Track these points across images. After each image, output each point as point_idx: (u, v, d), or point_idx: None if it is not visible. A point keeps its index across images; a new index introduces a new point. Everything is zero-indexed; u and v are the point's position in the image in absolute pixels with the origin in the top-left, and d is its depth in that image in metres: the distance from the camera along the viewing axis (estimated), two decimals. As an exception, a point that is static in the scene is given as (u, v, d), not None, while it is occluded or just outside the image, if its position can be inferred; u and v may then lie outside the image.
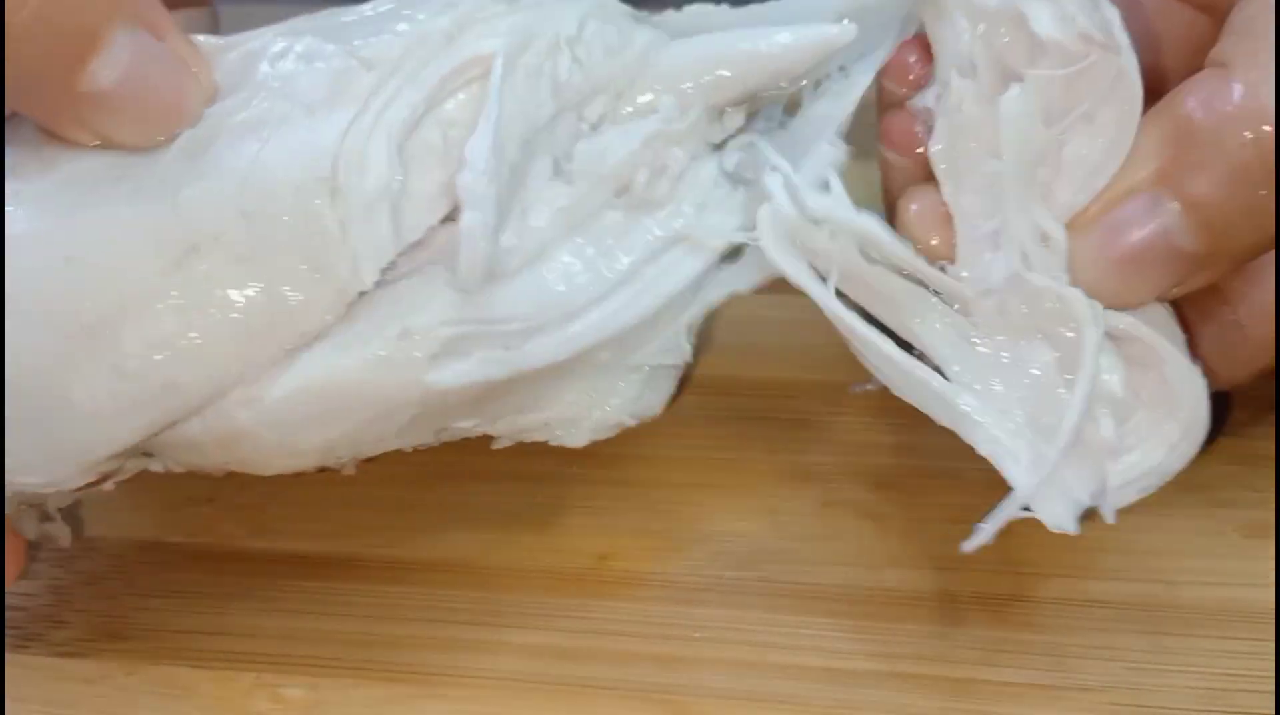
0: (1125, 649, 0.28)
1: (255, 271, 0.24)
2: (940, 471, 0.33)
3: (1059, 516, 0.27)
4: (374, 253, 0.25)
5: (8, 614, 0.30)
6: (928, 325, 0.28)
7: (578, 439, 0.28)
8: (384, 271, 0.25)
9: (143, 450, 0.27)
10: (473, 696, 0.28)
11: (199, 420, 0.25)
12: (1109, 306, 0.27)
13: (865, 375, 0.35)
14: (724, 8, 0.29)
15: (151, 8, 0.26)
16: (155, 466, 0.28)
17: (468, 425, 0.28)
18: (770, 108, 0.29)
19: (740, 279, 0.29)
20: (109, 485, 0.28)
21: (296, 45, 0.26)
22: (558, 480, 0.33)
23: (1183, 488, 0.32)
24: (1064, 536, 0.30)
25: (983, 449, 0.27)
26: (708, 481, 0.33)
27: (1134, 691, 0.27)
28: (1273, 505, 0.31)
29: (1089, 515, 0.31)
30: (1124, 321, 0.27)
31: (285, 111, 0.25)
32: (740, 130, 0.29)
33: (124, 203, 0.25)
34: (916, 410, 0.34)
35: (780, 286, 0.38)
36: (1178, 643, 0.28)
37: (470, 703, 0.28)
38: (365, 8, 0.28)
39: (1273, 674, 0.27)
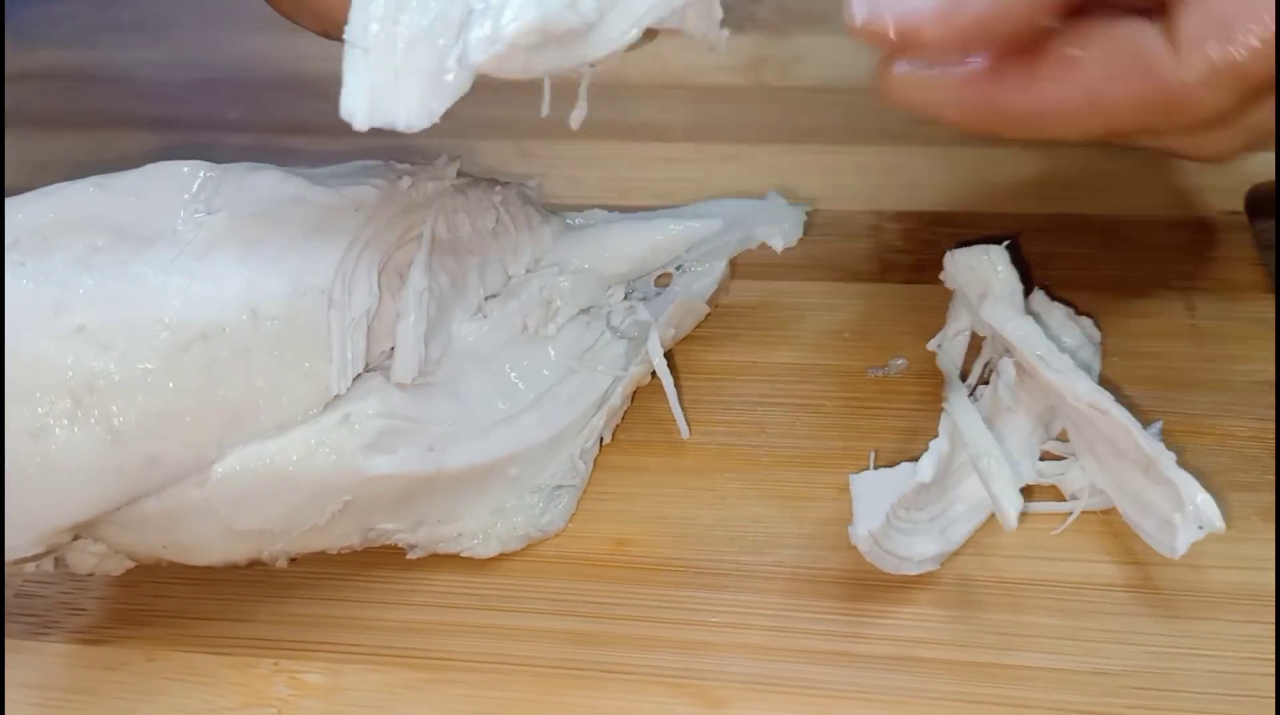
0: (1146, 633, 0.28)
1: (255, 364, 0.27)
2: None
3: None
4: (351, 363, 0.28)
5: (27, 600, 0.30)
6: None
7: (489, 550, 0.30)
8: None
9: (79, 531, 0.27)
10: (490, 682, 0.28)
11: (154, 497, 0.27)
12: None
13: (880, 360, 0.35)
14: (614, 213, 0.37)
15: None
16: (72, 556, 0.29)
17: (391, 527, 0.30)
18: (644, 283, 0.37)
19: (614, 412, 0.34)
20: (33, 568, 0.28)
21: (284, 184, 0.29)
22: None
23: (1204, 472, 0.32)
24: (1083, 521, 0.30)
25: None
26: (723, 467, 0.33)
27: (1155, 675, 0.27)
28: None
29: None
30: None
31: (283, 233, 0.28)
32: (624, 298, 0.36)
33: (143, 285, 0.27)
34: (930, 394, 0.34)
35: (795, 273, 0.38)
36: (1199, 627, 0.28)
37: (487, 688, 0.28)
38: (334, 168, 0.32)
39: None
